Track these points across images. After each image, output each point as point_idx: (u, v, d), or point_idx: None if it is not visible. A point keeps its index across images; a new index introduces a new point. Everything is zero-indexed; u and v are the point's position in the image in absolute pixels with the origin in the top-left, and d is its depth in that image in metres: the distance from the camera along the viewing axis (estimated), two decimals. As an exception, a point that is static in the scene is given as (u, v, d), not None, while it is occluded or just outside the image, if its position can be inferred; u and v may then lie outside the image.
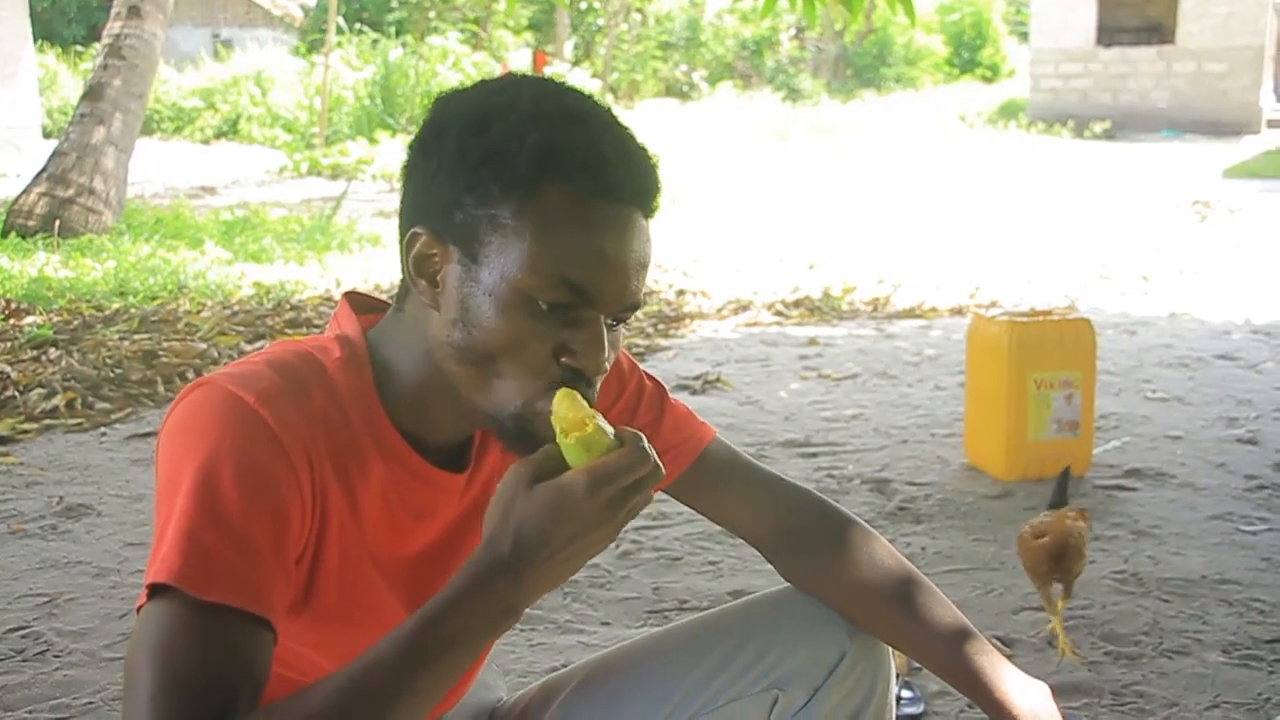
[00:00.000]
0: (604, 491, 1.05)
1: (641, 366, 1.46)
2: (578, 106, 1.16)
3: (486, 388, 1.16)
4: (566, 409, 1.10)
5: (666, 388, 1.47)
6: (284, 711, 1.02)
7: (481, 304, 1.13)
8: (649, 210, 1.18)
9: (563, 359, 1.15)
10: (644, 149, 1.18)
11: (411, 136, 1.21)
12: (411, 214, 1.19)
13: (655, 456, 1.09)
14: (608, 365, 1.17)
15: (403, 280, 1.21)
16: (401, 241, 1.19)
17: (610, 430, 1.09)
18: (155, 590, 1.04)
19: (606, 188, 1.13)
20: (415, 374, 1.21)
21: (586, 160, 1.12)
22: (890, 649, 1.43)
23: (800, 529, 1.43)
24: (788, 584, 1.45)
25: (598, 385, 1.19)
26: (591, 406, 1.16)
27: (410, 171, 1.20)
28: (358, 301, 1.29)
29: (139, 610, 1.06)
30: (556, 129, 1.13)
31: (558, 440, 1.09)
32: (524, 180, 1.12)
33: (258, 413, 1.10)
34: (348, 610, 1.21)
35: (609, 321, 1.17)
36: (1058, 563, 2.44)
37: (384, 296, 1.32)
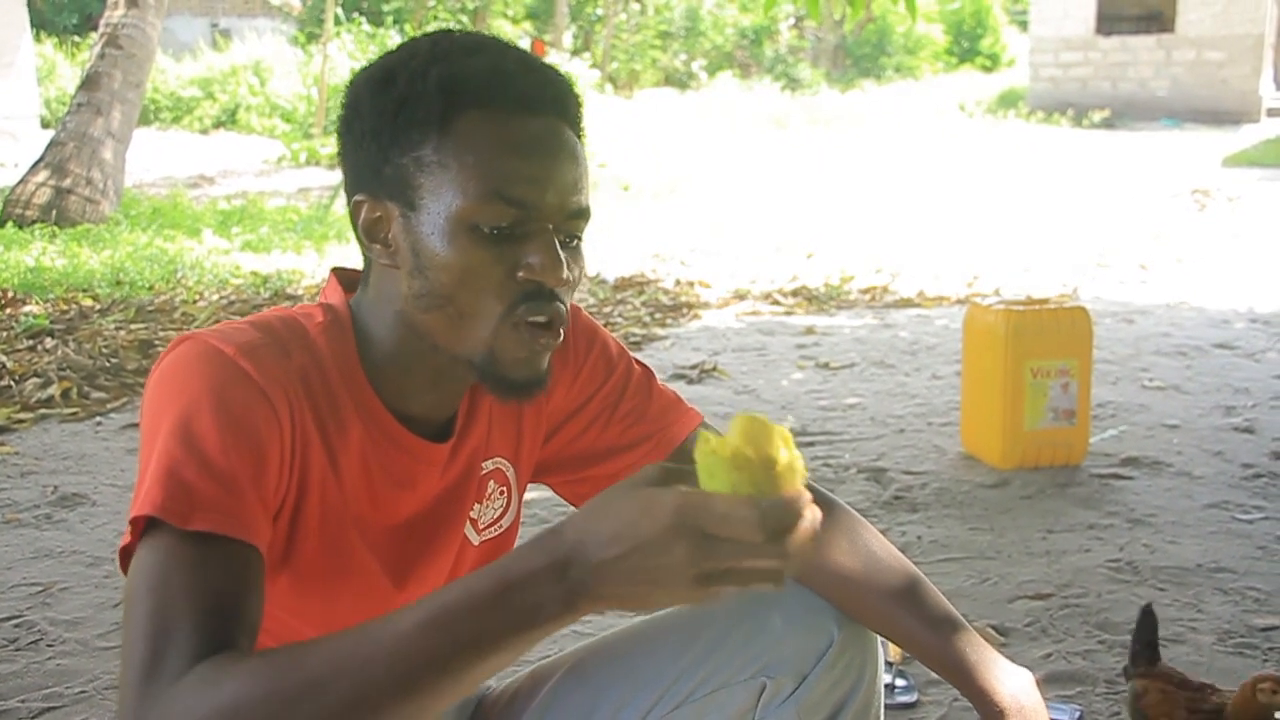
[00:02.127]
0: (690, 520, 0.88)
1: (639, 356, 1.46)
2: (474, 39, 1.20)
3: (457, 329, 1.17)
4: (755, 431, 0.90)
5: (654, 372, 1.47)
6: (284, 660, 0.95)
7: (430, 246, 1.15)
8: (570, 120, 1.20)
9: (520, 274, 1.15)
10: (550, 65, 1.21)
11: None
12: (351, 187, 1.21)
13: (789, 540, 0.89)
14: (568, 275, 1.17)
15: (363, 255, 1.23)
16: (350, 218, 1.21)
17: (789, 484, 0.90)
18: (140, 529, 1.04)
19: (517, 100, 1.15)
20: (391, 338, 1.22)
21: (491, 80, 1.15)
22: (879, 641, 1.43)
23: None
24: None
25: (566, 301, 1.19)
26: (562, 321, 1.16)
27: (342, 151, 1.22)
28: (345, 276, 1.30)
29: (122, 552, 1.06)
30: (456, 60, 1.16)
31: (703, 451, 0.92)
32: (437, 115, 1.14)
33: (238, 362, 1.11)
34: (328, 571, 1.20)
35: (561, 238, 1.17)
36: None
37: None
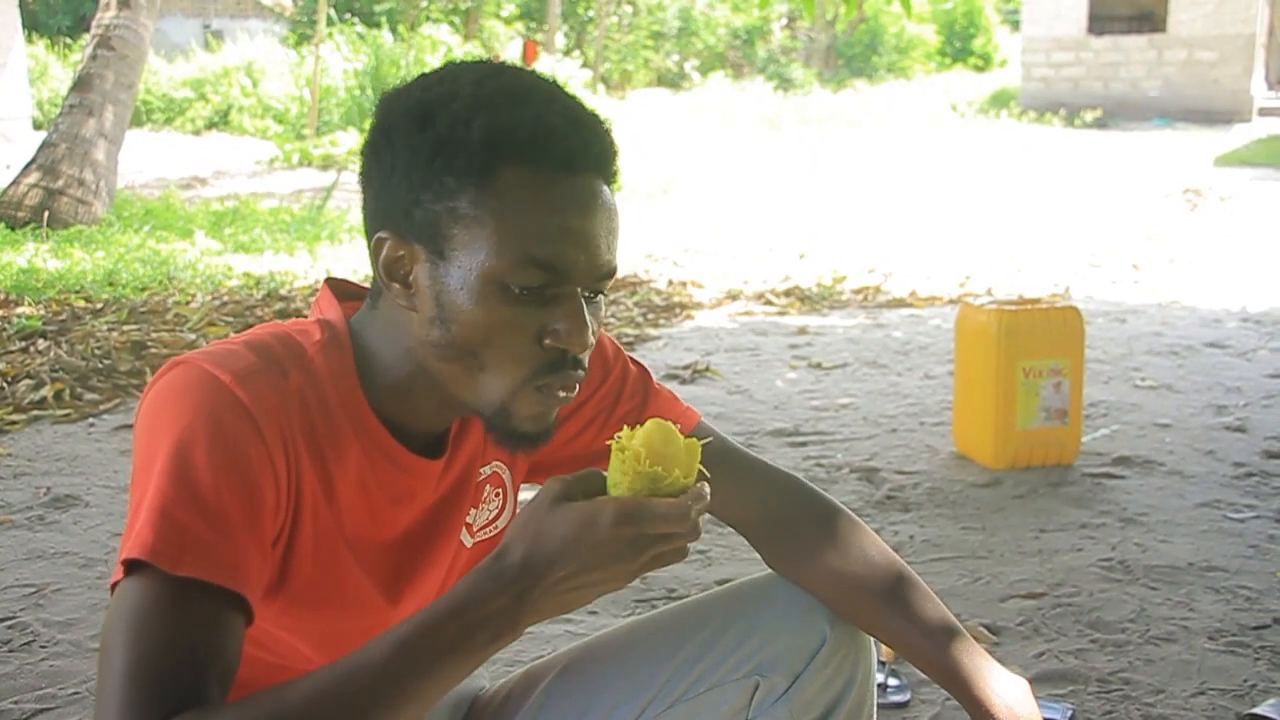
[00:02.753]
0: (630, 528, 1.03)
1: (631, 355, 1.46)
2: (519, 83, 1.15)
3: (474, 382, 1.16)
4: (659, 440, 1.07)
5: (651, 373, 1.47)
6: (260, 704, 1.01)
7: (455, 299, 1.13)
8: (608, 176, 1.18)
9: (546, 341, 1.14)
10: (595, 115, 1.17)
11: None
12: (374, 219, 1.18)
13: (699, 521, 1.07)
14: (592, 340, 1.16)
15: (374, 281, 1.21)
16: (369, 248, 1.19)
17: (684, 487, 1.07)
18: (129, 567, 1.04)
19: (561, 160, 1.12)
20: (399, 368, 1.21)
21: (535, 136, 1.11)
22: (872, 640, 1.43)
23: (785, 516, 1.42)
24: (769, 571, 1.45)
25: (586, 362, 1.19)
26: (580, 385, 1.18)
27: (367, 177, 1.19)
28: (340, 288, 1.29)
29: (113, 588, 1.06)
30: (501, 110, 1.12)
31: (614, 459, 1.07)
32: (477, 167, 1.11)
33: (233, 391, 1.10)
34: (322, 594, 1.20)
35: (586, 294, 1.16)
36: None
37: (366, 284, 1.32)
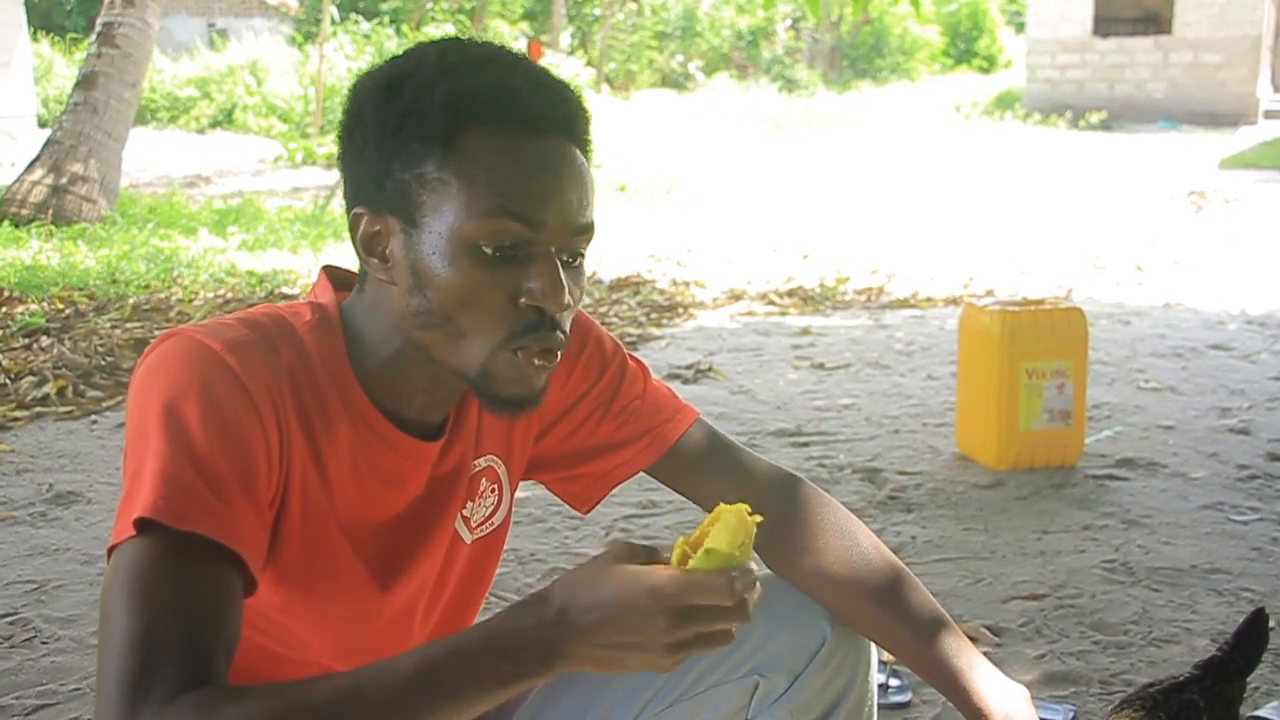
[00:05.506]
0: (667, 599, 0.99)
1: (633, 354, 1.46)
2: (482, 51, 1.17)
3: (455, 347, 1.16)
4: (732, 528, 1.02)
5: (649, 368, 1.46)
6: (282, 694, 0.99)
7: (430, 265, 1.13)
8: (578, 140, 1.18)
9: (522, 300, 1.14)
10: (561, 81, 1.18)
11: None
12: (351, 198, 1.20)
13: (747, 601, 1.01)
14: (569, 300, 1.15)
15: (360, 264, 1.22)
16: (349, 228, 1.20)
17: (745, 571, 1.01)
18: (135, 527, 1.03)
19: (524, 120, 1.13)
20: (386, 346, 1.21)
21: (498, 97, 1.12)
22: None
23: (782, 515, 1.41)
24: (768, 570, 1.44)
25: (566, 324, 1.18)
26: (561, 350, 1.17)
27: (342, 158, 1.20)
28: (335, 275, 1.30)
29: (109, 554, 1.05)
30: (463, 75, 1.13)
31: (680, 542, 1.04)
32: (442, 131, 1.12)
33: (224, 359, 1.11)
34: (311, 571, 1.20)
35: (564, 258, 1.16)
36: None
37: None
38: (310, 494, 1.18)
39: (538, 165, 1.13)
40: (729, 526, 1.02)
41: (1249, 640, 1.85)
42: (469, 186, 1.11)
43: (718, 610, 0.99)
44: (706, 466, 1.43)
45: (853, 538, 1.41)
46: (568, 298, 1.15)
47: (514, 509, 1.43)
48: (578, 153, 1.17)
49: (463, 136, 1.12)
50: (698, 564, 1.01)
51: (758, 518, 1.03)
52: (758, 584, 1.02)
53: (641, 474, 1.44)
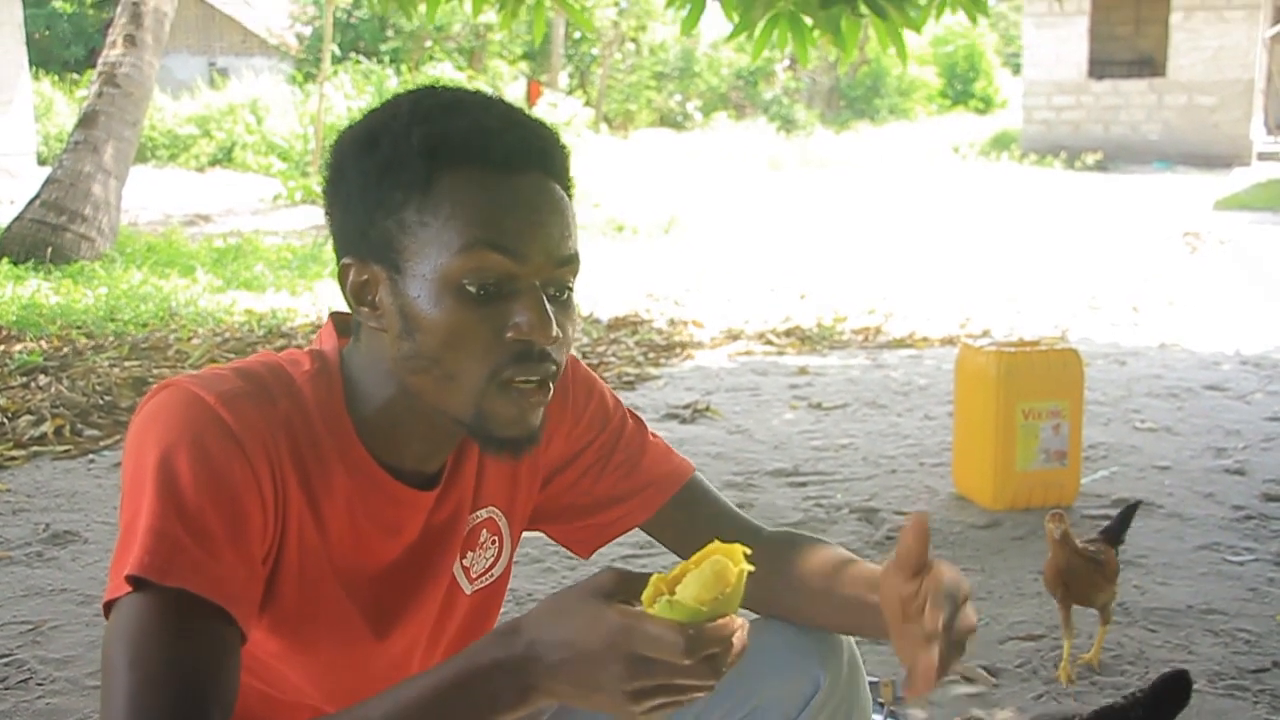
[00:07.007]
0: (623, 647, 0.97)
1: (632, 395, 1.47)
2: (456, 95, 1.19)
3: (446, 390, 1.16)
4: (704, 581, 0.98)
5: (647, 424, 1.48)
6: None
7: (416, 308, 1.14)
8: (556, 174, 1.19)
9: (508, 335, 1.14)
10: (535, 119, 1.20)
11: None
12: (339, 249, 1.21)
13: (718, 668, 0.99)
14: (557, 332, 1.15)
15: (352, 313, 1.23)
16: (339, 279, 1.21)
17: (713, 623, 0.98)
18: (128, 585, 1.05)
19: (500, 158, 1.14)
20: (381, 393, 1.22)
21: (473, 139, 1.14)
22: (868, 684, 1.42)
23: (776, 570, 1.38)
24: (757, 615, 1.44)
25: (558, 357, 1.18)
26: (553, 380, 1.16)
27: (329, 213, 1.22)
28: (342, 322, 1.30)
29: (105, 609, 1.07)
30: (438, 119, 1.15)
31: (655, 581, 1.01)
32: (420, 176, 1.13)
33: (217, 412, 1.12)
34: (306, 620, 1.21)
35: (550, 291, 1.16)
36: (1068, 587, 2.61)
37: None
38: (307, 543, 1.19)
39: (516, 200, 1.14)
40: (702, 578, 0.99)
41: (1161, 697, 1.93)
42: (448, 225, 1.12)
43: (675, 667, 0.97)
44: (700, 521, 1.43)
45: (820, 553, 1.40)
46: (555, 330, 1.15)
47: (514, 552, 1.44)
48: (556, 186, 1.18)
49: (441, 179, 1.13)
50: (661, 612, 0.98)
51: (749, 567, 1.00)
52: (736, 640, 0.99)
53: None
